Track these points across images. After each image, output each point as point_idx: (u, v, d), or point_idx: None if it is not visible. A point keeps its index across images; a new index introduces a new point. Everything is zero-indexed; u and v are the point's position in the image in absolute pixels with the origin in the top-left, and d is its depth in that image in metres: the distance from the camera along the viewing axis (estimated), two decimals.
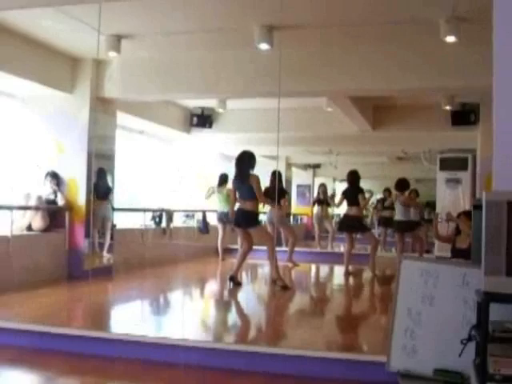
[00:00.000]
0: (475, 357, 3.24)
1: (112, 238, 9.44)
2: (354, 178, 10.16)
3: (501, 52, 3.62)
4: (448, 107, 11.07)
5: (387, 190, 14.46)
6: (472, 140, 11.35)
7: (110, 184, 9.41)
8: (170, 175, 14.04)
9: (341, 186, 21.04)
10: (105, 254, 9.26)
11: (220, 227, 12.27)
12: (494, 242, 3.03)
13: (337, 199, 11.19)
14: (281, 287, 8.17)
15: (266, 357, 4.62)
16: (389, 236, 14.58)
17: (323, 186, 15.43)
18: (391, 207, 13.82)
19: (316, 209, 15.17)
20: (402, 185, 11.30)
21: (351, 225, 9.99)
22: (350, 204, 10.07)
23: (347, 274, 10.08)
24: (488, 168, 3.97)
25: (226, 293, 9.04)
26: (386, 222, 14.32)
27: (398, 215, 11.51)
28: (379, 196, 15.32)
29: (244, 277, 11.15)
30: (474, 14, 6.39)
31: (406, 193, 11.50)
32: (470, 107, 11.27)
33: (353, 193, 10.09)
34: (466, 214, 6.74)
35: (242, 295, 8.80)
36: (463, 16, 6.62)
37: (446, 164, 13.78)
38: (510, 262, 3.00)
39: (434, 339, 3.84)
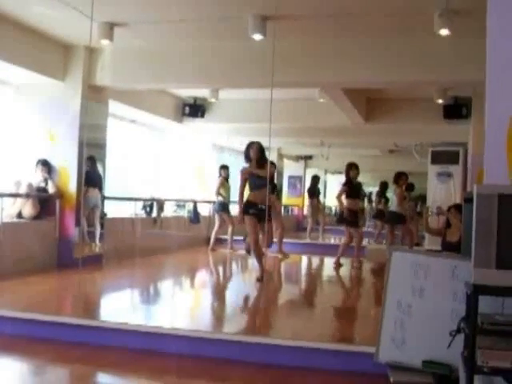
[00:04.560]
0: (464, 349, 3.25)
1: (102, 226, 9.43)
2: (357, 171, 10.06)
3: (494, 46, 3.62)
4: (440, 101, 11.09)
5: (384, 184, 14.51)
6: (464, 134, 11.39)
7: (100, 172, 9.38)
8: (161, 164, 14.01)
9: (332, 178, 21.09)
10: (97, 242, 9.22)
11: (217, 218, 12.25)
12: (484, 235, 3.04)
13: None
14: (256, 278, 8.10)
15: (257, 347, 4.64)
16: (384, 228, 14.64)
17: (317, 178, 15.45)
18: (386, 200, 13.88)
19: (310, 201, 15.14)
20: (396, 178, 11.36)
21: (352, 219, 9.92)
22: (353, 197, 10.02)
23: (338, 265, 10.08)
24: (479, 162, 3.99)
25: (215, 283, 9.06)
26: (380, 215, 14.36)
27: (392, 206, 11.63)
28: (372, 189, 15.33)
29: (234, 267, 11.19)
30: (468, 7, 6.39)
31: (404, 186, 11.53)
32: (462, 101, 11.31)
33: (355, 186, 10.03)
34: (457, 208, 6.77)
35: (232, 285, 8.83)
36: (457, 9, 6.62)
37: (438, 157, 13.81)
38: (499, 254, 3.02)
39: (423, 331, 3.85)
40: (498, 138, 3.57)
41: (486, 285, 3.03)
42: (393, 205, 11.59)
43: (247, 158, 7.96)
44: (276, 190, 11.56)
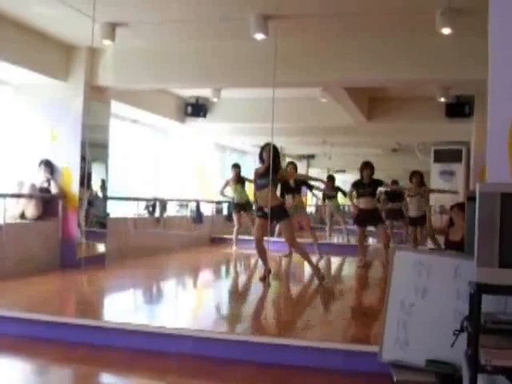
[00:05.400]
0: (467, 348, 3.24)
1: (105, 226, 9.43)
2: (372, 169, 9.88)
3: (496, 44, 3.61)
4: (443, 99, 11.08)
5: (395, 182, 14.40)
6: (466, 132, 11.39)
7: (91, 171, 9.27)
8: (163, 164, 14.03)
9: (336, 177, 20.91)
10: (83, 240, 9.07)
11: (236, 217, 12.24)
12: (486, 234, 3.04)
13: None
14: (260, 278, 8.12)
15: (259, 346, 4.63)
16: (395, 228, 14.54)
17: (332, 178, 15.25)
18: (399, 199, 13.76)
19: (327, 202, 14.86)
20: (410, 176, 11.29)
21: (371, 218, 9.85)
22: (365, 196, 9.86)
23: (362, 265, 10.07)
24: (482, 160, 3.98)
25: (218, 282, 9.06)
26: (393, 215, 14.15)
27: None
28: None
29: (238, 266, 11.18)
30: (470, 5, 6.37)
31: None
32: (465, 99, 11.30)
33: (365, 185, 9.85)
34: (460, 206, 6.74)
35: (235, 285, 8.83)
36: (459, 7, 6.61)
37: (440, 156, 13.83)
38: (502, 253, 3.01)
39: (426, 330, 3.85)
40: (501, 137, 3.56)
41: (489, 284, 3.02)
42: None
43: (261, 159, 7.98)
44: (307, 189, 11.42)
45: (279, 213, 7.84)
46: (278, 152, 8.04)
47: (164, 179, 13.89)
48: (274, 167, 7.66)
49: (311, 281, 9.27)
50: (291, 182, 10.79)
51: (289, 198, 10.69)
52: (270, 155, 7.67)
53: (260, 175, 7.87)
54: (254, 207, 8.42)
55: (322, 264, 11.23)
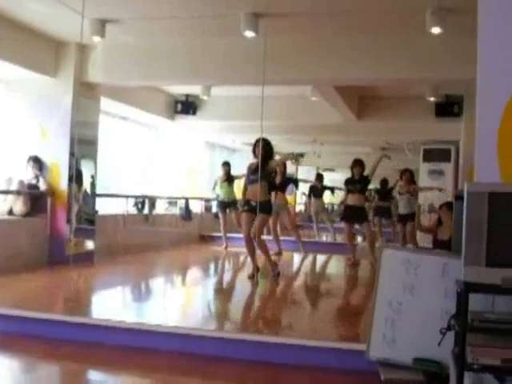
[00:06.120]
0: (454, 346, 3.26)
1: (93, 223, 9.40)
2: (362, 167, 9.97)
3: (485, 43, 3.62)
4: (432, 98, 11.12)
5: (384, 181, 14.44)
6: (455, 131, 11.42)
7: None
8: (153, 162, 14.00)
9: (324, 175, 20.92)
10: (72, 238, 9.04)
11: (221, 216, 12.25)
12: (474, 233, 3.05)
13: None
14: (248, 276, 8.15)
15: (250, 344, 4.63)
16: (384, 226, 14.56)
17: (320, 176, 15.26)
18: (388, 197, 13.80)
19: (313, 200, 14.86)
20: (400, 175, 11.34)
21: (356, 215, 9.91)
22: (353, 193, 9.91)
23: (352, 263, 10.10)
24: (471, 159, 3.99)
25: (207, 280, 9.06)
26: (381, 212, 14.18)
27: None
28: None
29: (226, 264, 11.18)
30: (460, 5, 6.39)
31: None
32: (454, 99, 11.34)
33: (355, 182, 9.93)
34: (448, 206, 6.77)
35: (223, 283, 8.82)
36: (449, 7, 6.63)
37: (429, 155, 13.85)
38: (489, 252, 3.02)
39: (413, 328, 3.86)
40: (489, 136, 3.57)
41: (477, 282, 3.03)
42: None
43: (254, 153, 8.00)
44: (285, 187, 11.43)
45: (265, 206, 7.86)
46: (271, 146, 8.03)
47: (154, 176, 13.86)
48: (265, 160, 7.70)
49: (300, 279, 9.31)
50: (277, 179, 10.79)
51: (272, 196, 10.70)
52: (260, 150, 7.69)
53: (253, 170, 7.90)
54: (239, 204, 8.41)
55: (307, 262, 11.31)
